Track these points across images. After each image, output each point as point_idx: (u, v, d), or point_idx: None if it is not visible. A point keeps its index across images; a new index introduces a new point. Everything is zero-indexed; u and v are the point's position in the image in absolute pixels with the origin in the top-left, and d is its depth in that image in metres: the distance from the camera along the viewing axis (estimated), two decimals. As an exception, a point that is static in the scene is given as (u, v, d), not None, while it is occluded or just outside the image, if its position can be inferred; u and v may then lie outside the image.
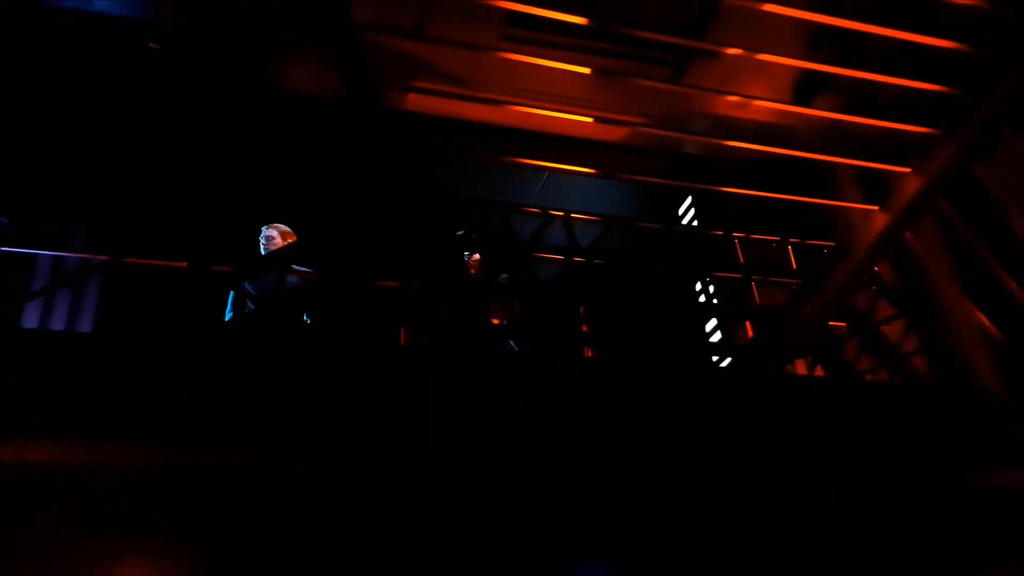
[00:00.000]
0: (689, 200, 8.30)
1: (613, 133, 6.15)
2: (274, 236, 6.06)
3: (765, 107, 5.84)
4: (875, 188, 4.86)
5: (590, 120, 5.56)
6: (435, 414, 3.85)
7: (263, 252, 5.88)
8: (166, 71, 5.45)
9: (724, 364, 4.83)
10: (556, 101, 5.50)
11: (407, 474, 3.71)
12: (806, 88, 6.12)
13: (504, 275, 6.11)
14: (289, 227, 6.22)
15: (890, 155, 5.95)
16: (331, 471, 3.71)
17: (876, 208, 4.61)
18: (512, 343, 5.30)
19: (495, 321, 5.64)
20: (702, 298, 7.82)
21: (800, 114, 5.97)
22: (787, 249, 6.86)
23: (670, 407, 4.26)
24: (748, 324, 6.46)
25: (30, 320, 5.14)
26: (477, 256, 6.24)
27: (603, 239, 4.23)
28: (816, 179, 7.67)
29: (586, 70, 4.42)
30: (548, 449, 3.99)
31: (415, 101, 5.49)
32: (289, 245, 5.77)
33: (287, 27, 4.86)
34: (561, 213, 4.06)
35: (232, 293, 5.23)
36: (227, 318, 5.26)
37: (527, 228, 4.68)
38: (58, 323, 5.25)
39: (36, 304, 5.18)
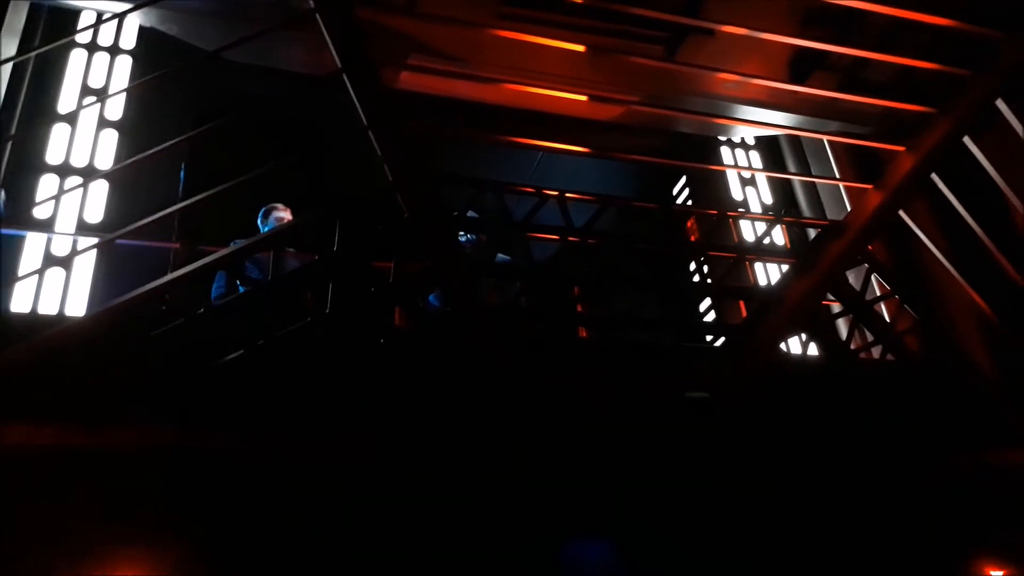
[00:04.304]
0: (684, 180, 8.30)
1: (607, 112, 6.14)
2: (284, 216, 6.07)
3: (759, 86, 5.83)
4: (868, 166, 4.84)
5: (584, 99, 5.55)
6: (430, 397, 3.88)
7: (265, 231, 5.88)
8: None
9: (718, 344, 4.83)
10: (550, 80, 5.49)
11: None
12: (801, 66, 6.11)
13: (502, 256, 6.10)
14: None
15: (883, 133, 5.97)
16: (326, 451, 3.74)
17: (870, 187, 4.61)
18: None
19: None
20: (696, 277, 7.83)
21: (795, 92, 5.98)
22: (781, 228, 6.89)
23: (658, 386, 4.29)
24: (742, 304, 6.47)
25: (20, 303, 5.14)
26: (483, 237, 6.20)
27: (597, 219, 4.22)
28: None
29: (580, 47, 4.39)
30: (543, 429, 4.03)
31: (408, 80, 5.47)
32: (287, 224, 5.75)
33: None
34: (556, 193, 4.06)
35: (220, 273, 5.23)
36: (213, 295, 5.27)
37: (522, 208, 4.67)
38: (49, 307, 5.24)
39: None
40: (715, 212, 4.80)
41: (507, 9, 4.98)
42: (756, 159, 8.15)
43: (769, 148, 8.20)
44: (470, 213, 5.98)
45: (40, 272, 5.27)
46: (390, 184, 3.55)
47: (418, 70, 5.17)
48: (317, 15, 3.42)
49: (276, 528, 3.57)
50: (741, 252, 4.89)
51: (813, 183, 7.59)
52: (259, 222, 6.15)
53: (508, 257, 5.92)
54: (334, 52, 3.44)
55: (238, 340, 3.82)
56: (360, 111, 3.49)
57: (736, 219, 5.51)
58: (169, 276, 3.80)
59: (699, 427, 4.33)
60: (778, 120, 6.52)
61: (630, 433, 4.20)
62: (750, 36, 4.80)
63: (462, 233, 5.38)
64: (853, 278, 4.81)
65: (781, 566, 3.91)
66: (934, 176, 4.67)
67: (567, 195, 4.10)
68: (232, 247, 5.73)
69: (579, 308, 5.73)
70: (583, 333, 5.85)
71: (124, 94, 6.22)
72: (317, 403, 3.76)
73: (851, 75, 5.97)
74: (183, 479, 3.52)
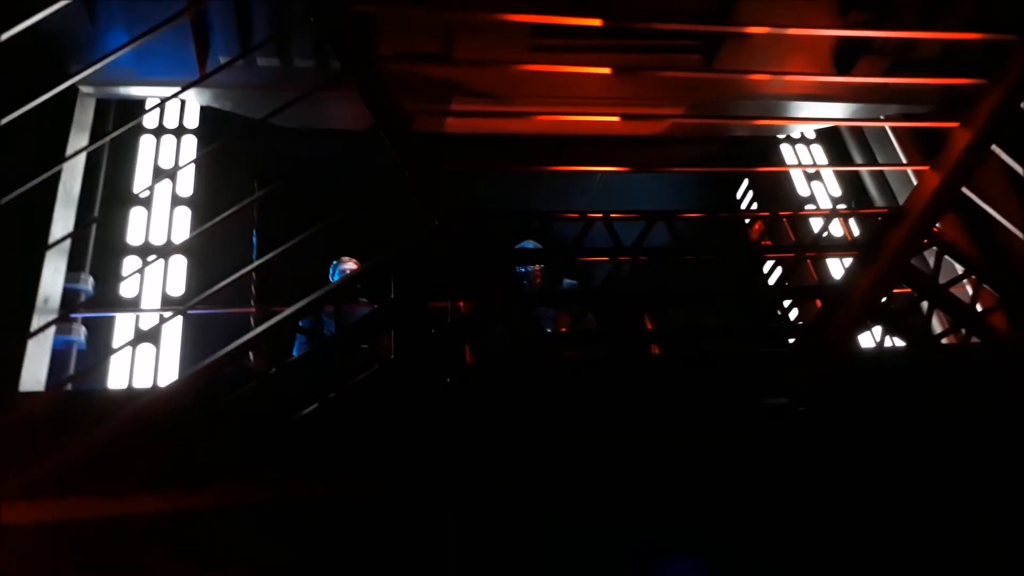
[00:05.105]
0: (746, 183, 8.20)
1: (653, 127, 6.13)
2: (350, 267, 6.30)
3: (806, 80, 5.77)
4: (935, 147, 4.69)
5: (629, 117, 5.57)
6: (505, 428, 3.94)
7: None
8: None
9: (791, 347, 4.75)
10: (593, 103, 5.54)
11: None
12: (846, 54, 5.98)
13: (569, 281, 6.15)
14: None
15: (945, 111, 5.79)
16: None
17: (927, 168, 4.48)
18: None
19: (563, 329, 5.68)
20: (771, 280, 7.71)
21: (845, 81, 5.87)
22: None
23: (733, 396, 4.24)
24: (818, 303, 6.34)
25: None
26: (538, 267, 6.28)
27: (646, 235, 4.24)
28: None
29: (606, 70, 4.44)
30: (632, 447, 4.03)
31: (454, 124, 5.61)
32: (351, 275, 5.96)
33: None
34: (600, 215, 4.10)
35: (300, 336, 5.48)
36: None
37: (595, 232, 4.71)
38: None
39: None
40: (767, 213, 4.74)
41: (538, 41, 5.06)
42: (818, 152, 8.00)
43: (831, 139, 8.02)
44: (529, 244, 6.08)
45: (132, 347, 5.61)
46: (433, 225, 3.67)
47: (463, 114, 5.30)
48: (347, 75, 3.58)
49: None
50: (800, 250, 4.81)
51: (881, 171, 7.39)
52: (330, 277, 6.39)
53: (575, 281, 5.96)
54: (366, 106, 3.59)
55: (312, 394, 3.97)
56: (396, 158, 3.62)
57: (790, 218, 5.40)
58: (247, 336, 3.99)
59: (780, 432, 4.27)
60: (832, 111, 6.40)
61: (710, 447, 4.17)
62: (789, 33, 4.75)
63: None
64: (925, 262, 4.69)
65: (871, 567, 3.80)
66: (995, 148, 4.51)
67: (612, 215, 4.13)
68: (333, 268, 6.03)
69: (648, 325, 5.71)
70: (655, 350, 5.82)
71: (193, 173, 6.59)
72: (393, 447, 3.87)
73: (900, 56, 5.81)
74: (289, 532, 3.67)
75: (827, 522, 3.95)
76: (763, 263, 6.18)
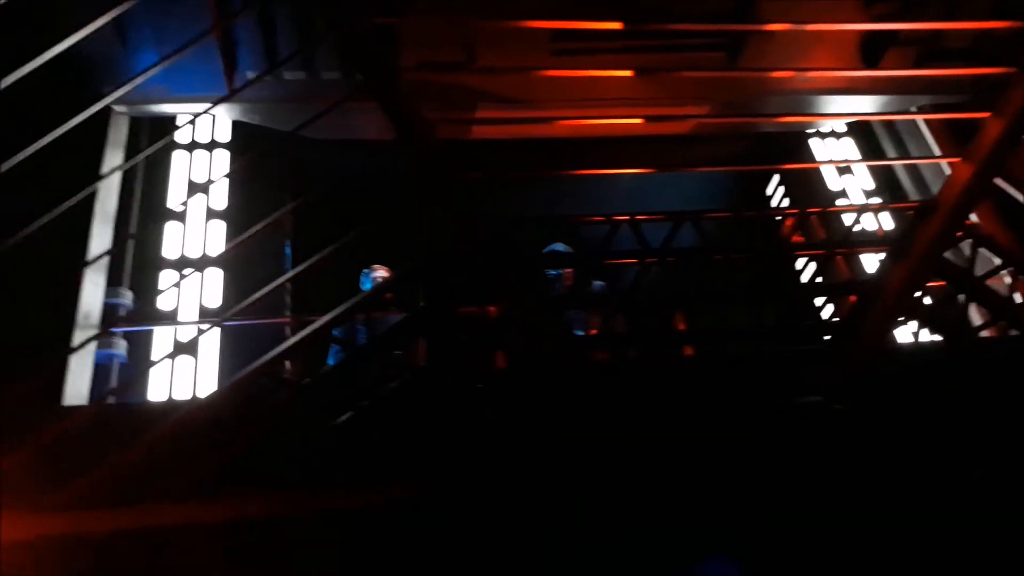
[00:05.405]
0: (777, 179, 8.12)
1: (680, 127, 6.11)
2: (381, 275, 6.35)
3: (834, 74, 5.72)
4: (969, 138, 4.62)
5: (654, 117, 5.56)
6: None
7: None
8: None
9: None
10: (618, 104, 5.54)
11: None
12: (873, 46, 5.92)
13: (598, 282, 6.15)
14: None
15: (977, 101, 5.70)
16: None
17: (958, 160, 4.42)
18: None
19: (593, 332, 5.68)
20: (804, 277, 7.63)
21: (871, 75, 5.82)
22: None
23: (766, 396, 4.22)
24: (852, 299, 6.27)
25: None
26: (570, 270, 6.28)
27: (673, 236, 4.23)
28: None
29: (628, 72, 4.44)
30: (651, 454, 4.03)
31: (478, 129, 5.65)
32: (383, 283, 6.02)
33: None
34: (627, 217, 4.10)
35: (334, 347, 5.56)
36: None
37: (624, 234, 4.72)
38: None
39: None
40: (795, 211, 4.71)
41: (559, 45, 5.08)
42: (849, 145, 7.90)
43: (862, 132, 7.90)
44: (559, 246, 6.09)
45: (171, 359, 5.71)
46: (456, 232, 3.71)
47: (486, 121, 5.34)
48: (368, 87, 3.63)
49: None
50: (831, 247, 4.77)
51: (915, 163, 7.28)
52: (360, 285, 6.45)
53: (604, 283, 5.97)
54: (388, 118, 3.64)
55: (347, 402, 4.02)
56: (419, 167, 3.67)
57: (820, 214, 5.35)
58: (283, 346, 4.06)
59: (815, 432, 4.23)
60: (861, 103, 6.33)
61: (745, 447, 4.15)
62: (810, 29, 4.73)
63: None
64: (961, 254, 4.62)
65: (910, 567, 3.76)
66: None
67: (638, 217, 4.13)
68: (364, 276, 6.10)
69: (681, 326, 5.69)
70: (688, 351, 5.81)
71: (227, 187, 6.70)
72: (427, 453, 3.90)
73: (928, 46, 5.73)
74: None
75: (865, 522, 3.91)
76: (794, 260, 6.11)
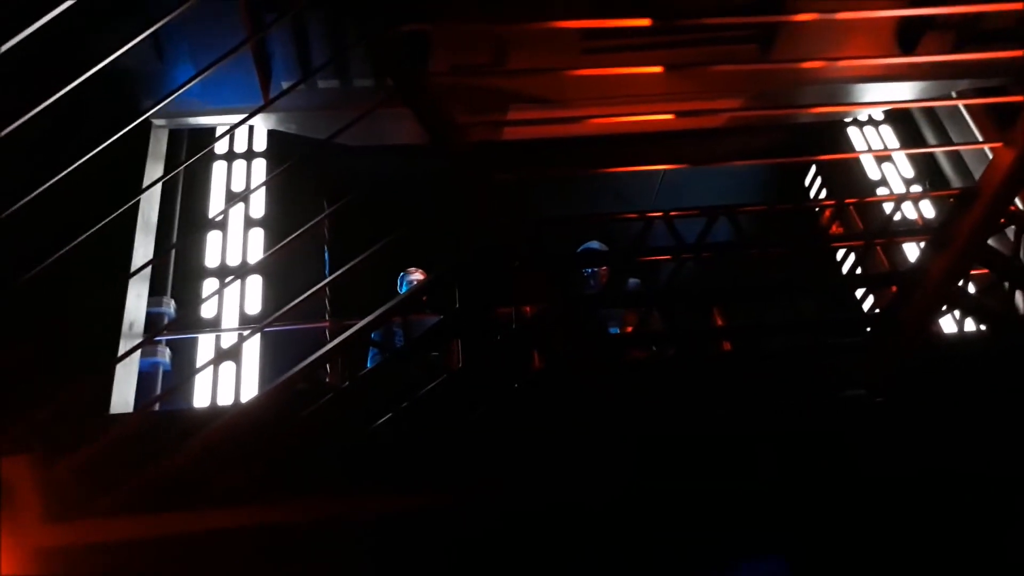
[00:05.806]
0: (814, 169, 8.02)
1: (714, 120, 6.06)
2: (417, 278, 6.41)
3: (869, 62, 5.62)
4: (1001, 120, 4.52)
5: (672, 116, 5.51)
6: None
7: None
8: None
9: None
10: (652, 100, 5.51)
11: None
12: (910, 30, 5.80)
13: (633, 280, 6.13)
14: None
15: (1010, 84, 5.58)
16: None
17: (1000, 144, 4.32)
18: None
19: (628, 329, 5.66)
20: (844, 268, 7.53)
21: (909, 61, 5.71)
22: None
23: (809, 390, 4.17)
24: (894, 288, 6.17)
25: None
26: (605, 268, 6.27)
27: (708, 232, 4.20)
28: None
29: (659, 68, 4.42)
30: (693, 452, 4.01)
31: (510, 131, 5.66)
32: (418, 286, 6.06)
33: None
34: (660, 213, 4.09)
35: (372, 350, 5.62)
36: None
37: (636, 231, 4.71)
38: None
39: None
40: (832, 202, 4.65)
41: (589, 44, 5.07)
42: (888, 133, 7.78)
43: (901, 119, 7.78)
44: (594, 244, 6.08)
45: (214, 365, 5.81)
46: (491, 233, 3.73)
47: (518, 123, 5.35)
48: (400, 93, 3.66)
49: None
50: (869, 237, 4.69)
51: (956, 150, 7.14)
52: (398, 288, 6.51)
53: (638, 280, 5.95)
54: (419, 123, 3.67)
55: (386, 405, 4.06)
56: (452, 171, 3.69)
57: (858, 204, 5.27)
58: (323, 350, 4.10)
59: (858, 426, 4.18)
60: (899, 90, 6.21)
61: (788, 443, 4.11)
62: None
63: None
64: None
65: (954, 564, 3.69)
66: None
67: (672, 213, 4.11)
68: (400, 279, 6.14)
69: (719, 322, 5.65)
70: (727, 346, 5.76)
71: (264, 195, 6.81)
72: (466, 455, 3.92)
73: (967, 29, 5.61)
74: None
75: (910, 518, 3.85)
76: (834, 252, 6.03)
